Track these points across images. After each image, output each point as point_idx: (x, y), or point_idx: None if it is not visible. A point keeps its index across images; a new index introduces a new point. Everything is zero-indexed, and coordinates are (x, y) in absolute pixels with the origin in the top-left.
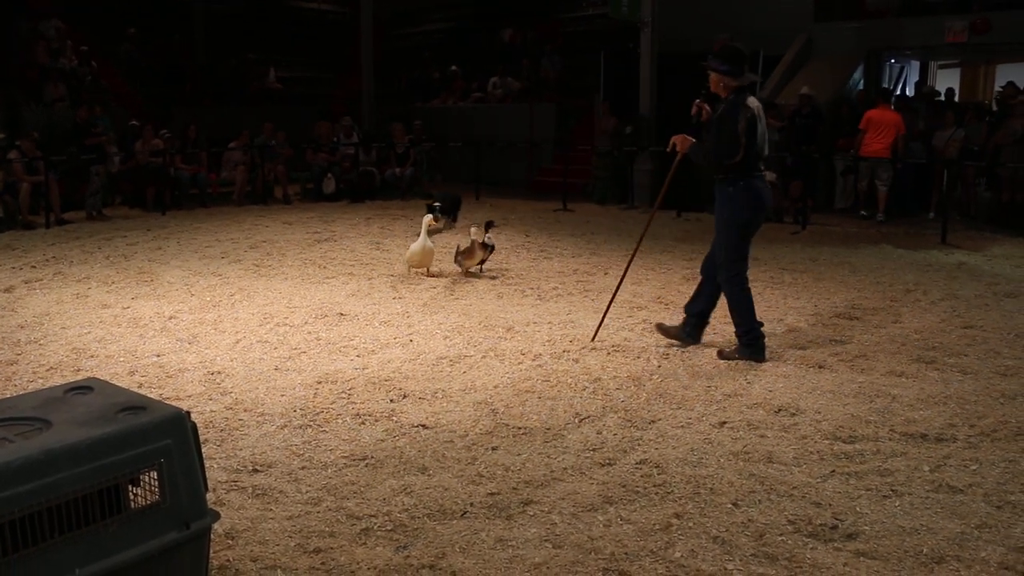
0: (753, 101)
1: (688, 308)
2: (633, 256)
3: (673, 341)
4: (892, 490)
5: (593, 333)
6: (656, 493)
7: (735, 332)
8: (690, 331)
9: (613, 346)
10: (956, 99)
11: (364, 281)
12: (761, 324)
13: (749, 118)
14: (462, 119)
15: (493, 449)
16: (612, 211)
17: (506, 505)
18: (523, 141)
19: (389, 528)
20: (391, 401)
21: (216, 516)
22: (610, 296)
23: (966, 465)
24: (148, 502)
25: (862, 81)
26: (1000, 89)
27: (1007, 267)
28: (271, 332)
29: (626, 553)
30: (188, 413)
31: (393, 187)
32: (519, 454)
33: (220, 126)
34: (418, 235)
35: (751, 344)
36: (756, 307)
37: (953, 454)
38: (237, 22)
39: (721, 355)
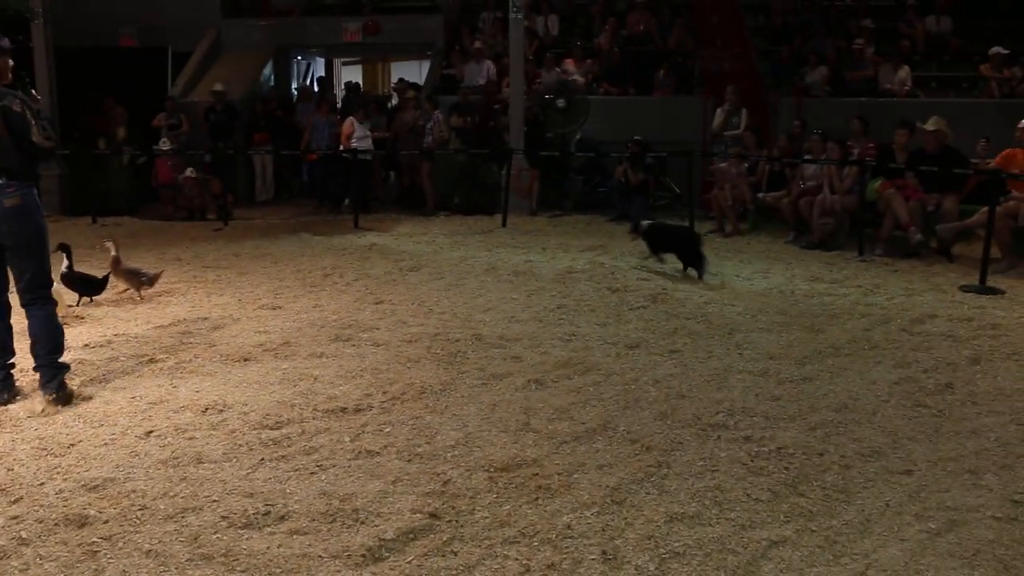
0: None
1: None
2: None
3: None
4: (318, 466)
5: None
6: (73, 520)
7: (41, 362)
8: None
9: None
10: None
11: None
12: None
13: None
14: None
15: None
16: None
17: None
18: None
19: None
20: None
21: None
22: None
23: (381, 429)
24: None
25: (273, 77)
26: (394, 84)
27: (410, 244)
28: None
29: None
30: None
31: None
32: None
33: None
34: None
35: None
36: (180, 308)
37: (370, 421)
38: None
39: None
